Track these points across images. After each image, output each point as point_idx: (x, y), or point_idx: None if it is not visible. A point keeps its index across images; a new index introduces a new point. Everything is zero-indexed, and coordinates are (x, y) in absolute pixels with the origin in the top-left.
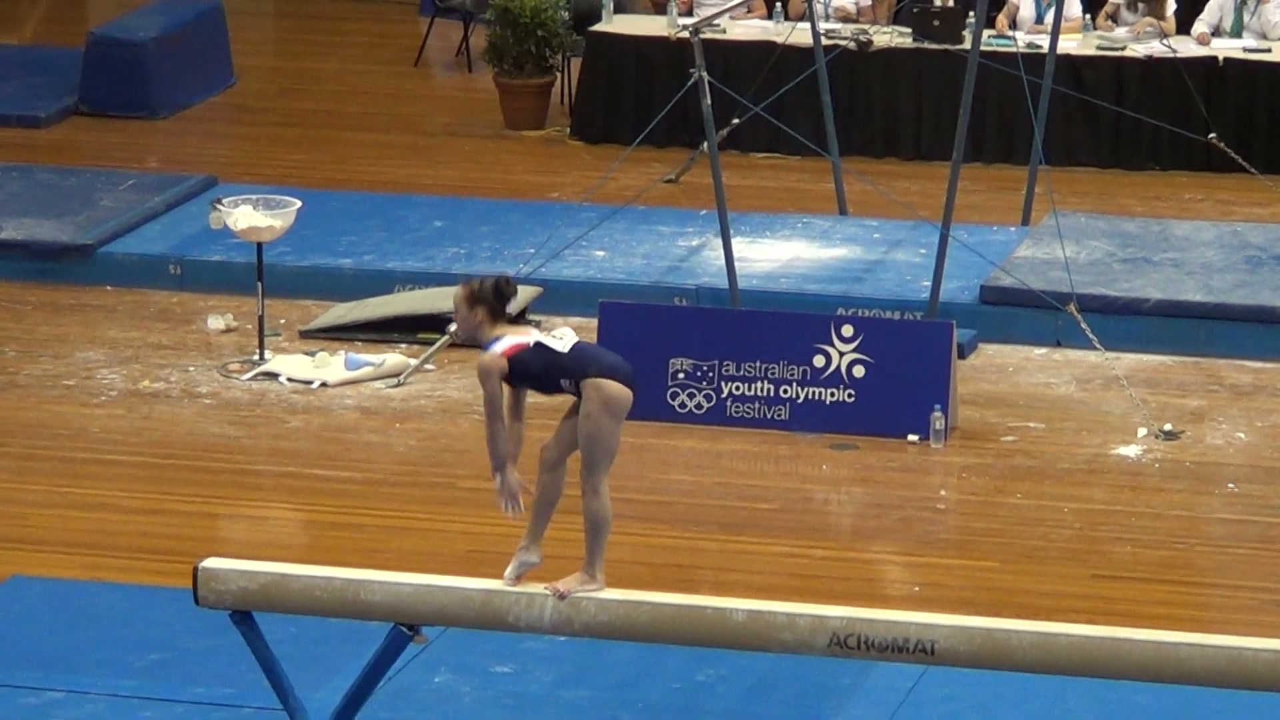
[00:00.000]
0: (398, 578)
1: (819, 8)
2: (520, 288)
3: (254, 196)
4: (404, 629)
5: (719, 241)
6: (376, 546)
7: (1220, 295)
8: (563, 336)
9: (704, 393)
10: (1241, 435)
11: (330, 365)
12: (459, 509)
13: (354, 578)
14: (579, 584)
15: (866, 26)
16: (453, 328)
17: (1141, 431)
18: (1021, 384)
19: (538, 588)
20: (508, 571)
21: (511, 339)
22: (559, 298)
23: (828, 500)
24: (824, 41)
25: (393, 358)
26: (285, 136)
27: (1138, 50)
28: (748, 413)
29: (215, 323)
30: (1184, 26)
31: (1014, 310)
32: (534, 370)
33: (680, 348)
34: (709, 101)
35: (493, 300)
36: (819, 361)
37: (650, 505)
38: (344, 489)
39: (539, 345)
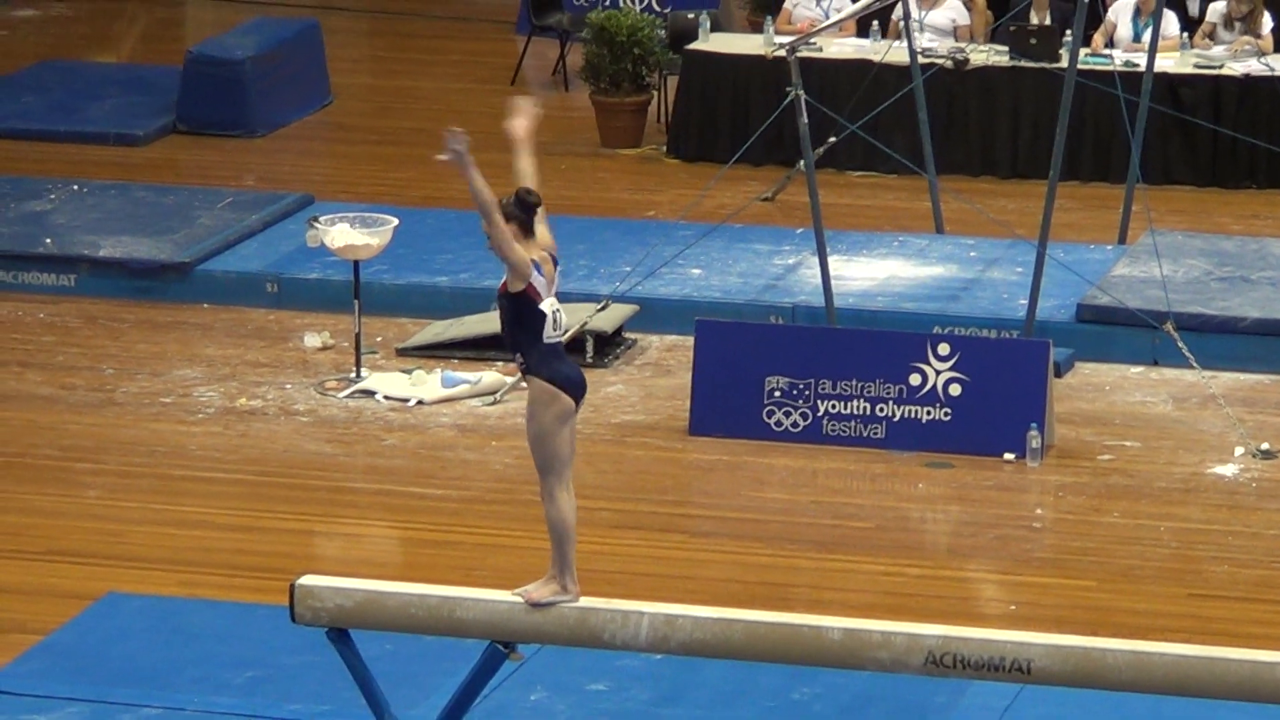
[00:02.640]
0: (493, 595)
1: (915, 25)
2: (616, 305)
3: (351, 214)
4: (500, 646)
5: (815, 260)
6: (472, 564)
7: None
8: (558, 326)
9: (800, 411)
10: None
11: (427, 383)
12: None
13: (450, 595)
14: (551, 594)
15: (963, 45)
16: None
17: (1238, 450)
18: (1118, 403)
19: (628, 604)
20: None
21: (538, 280)
22: (655, 316)
23: (923, 519)
24: (921, 60)
25: (489, 375)
26: (382, 155)
27: (1235, 68)
28: (843, 431)
29: (312, 340)
30: None
31: (1110, 329)
32: (518, 317)
33: (776, 366)
34: (805, 120)
35: (519, 213)
36: (915, 380)
37: (745, 523)
38: (440, 506)
39: (540, 311)
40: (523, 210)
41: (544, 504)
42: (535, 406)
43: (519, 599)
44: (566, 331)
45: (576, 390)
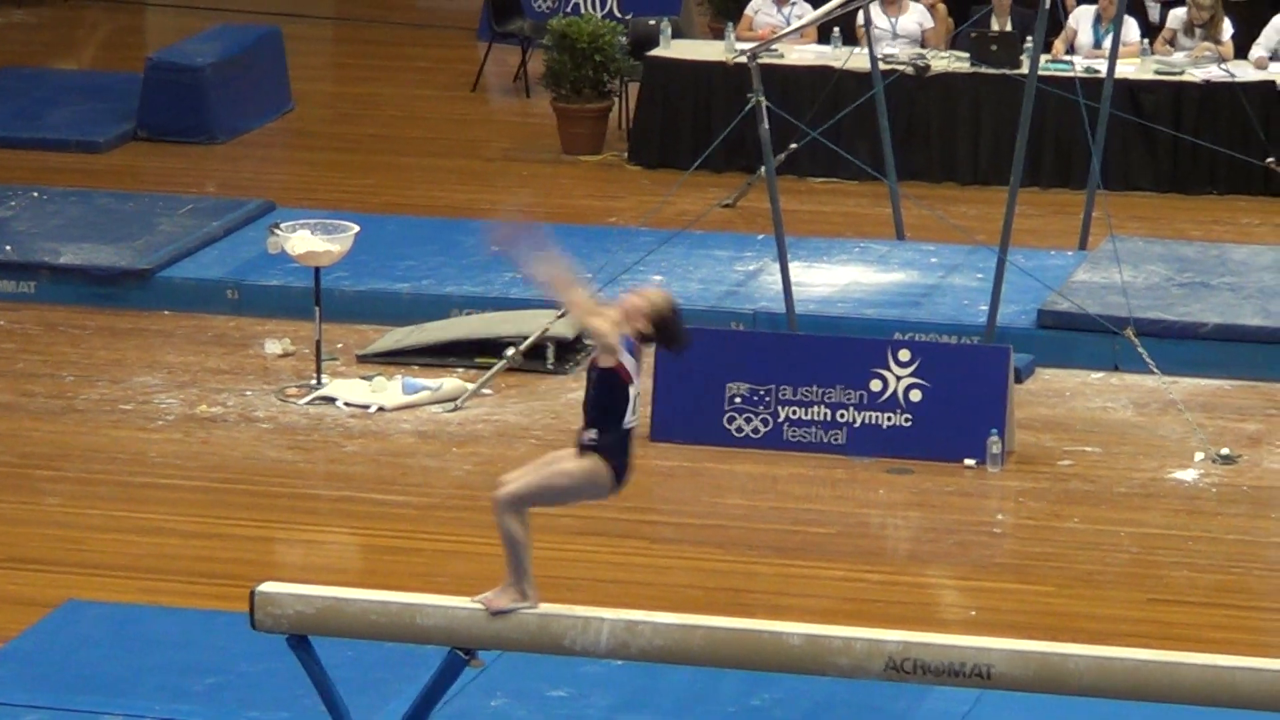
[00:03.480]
0: (454, 602)
1: (884, 29)
2: None
3: (312, 221)
4: (460, 653)
5: (776, 266)
6: (433, 571)
7: (1278, 319)
8: (635, 412)
9: (760, 417)
10: None
11: (387, 390)
12: None
13: (410, 602)
14: (510, 601)
15: (924, 52)
16: (510, 352)
17: (1199, 456)
18: (1078, 408)
19: (588, 610)
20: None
21: (629, 361)
22: None
23: (884, 524)
24: (882, 66)
25: (450, 382)
26: (343, 162)
27: (1195, 75)
28: (804, 437)
29: (273, 347)
30: (1242, 51)
31: (1071, 335)
32: (608, 397)
33: (737, 372)
34: (766, 126)
35: (671, 335)
36: (876, 386)
37: (706, 529)
38: (400, 513)
39: (627, 390)
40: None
41: (499, 515)
42: (583, 472)
43: (479, 606)
44: (637, 419)
45: (624, 480)
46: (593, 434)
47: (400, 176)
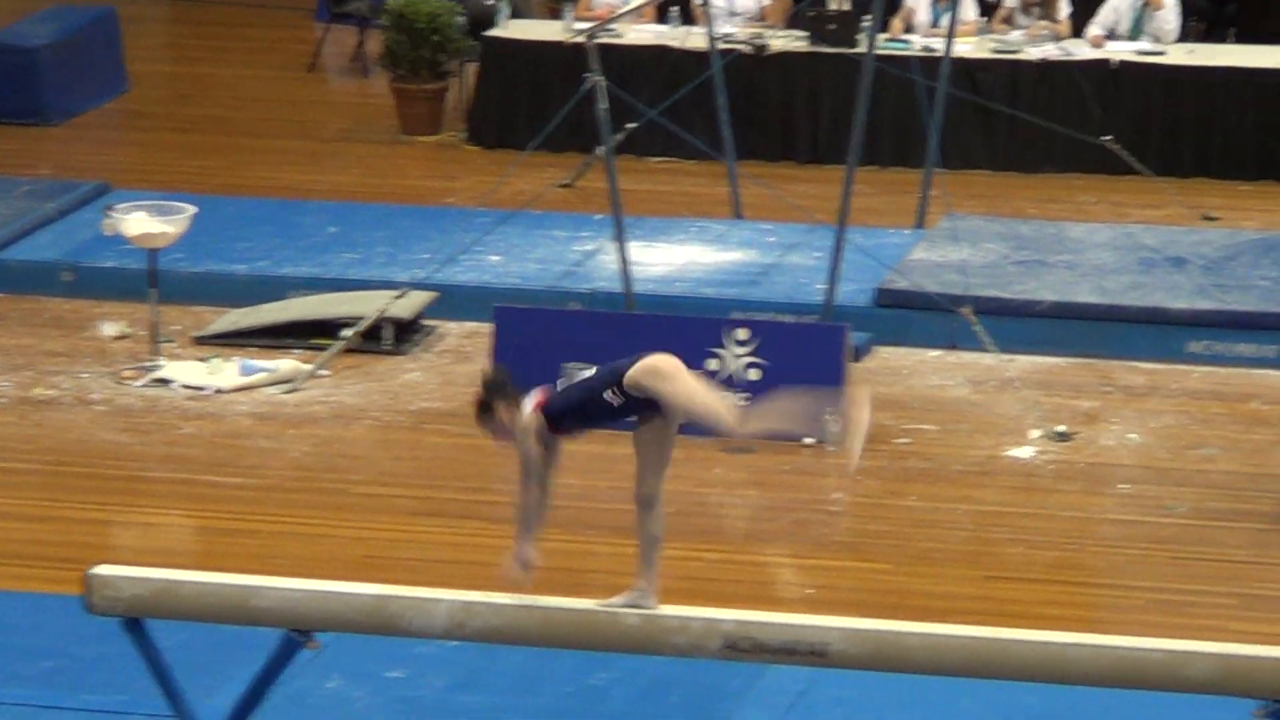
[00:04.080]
0: (290, 583)
1: (722, 6)
2: (415, 293)
3: (147, 203)
4: (296, 635)
5: (614, 246)
6: (269, 552)
7: (1114, 297)
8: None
9: None
10: (1134, 436)
11: (224, 371)
12: (352, 514)
13: (246, 584)
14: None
15: (762, 31)
16: (347, 333)
17: (1035, 433)
18: (916, 386)
19: (425, 591)
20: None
21: (533, 396)
22: (454, 303)
23: (721, 503)
24: (720, 46)
25: (287, 363)
26: (180, 143)
27: (1032, 53)
28: None
29: (109, 329)
30: (1078, 29)
31: (909, 313)
32: (573, 402)
33: (575, 352)
34: (605, 106)
35: (500, 393)
36: (713, 365)
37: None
38: (237, 495)
39: (565, 386)
40: (501, 386)
41: (641, 514)
42: (662, 375)
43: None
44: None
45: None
46: (610, 394)
47: (237, 158)
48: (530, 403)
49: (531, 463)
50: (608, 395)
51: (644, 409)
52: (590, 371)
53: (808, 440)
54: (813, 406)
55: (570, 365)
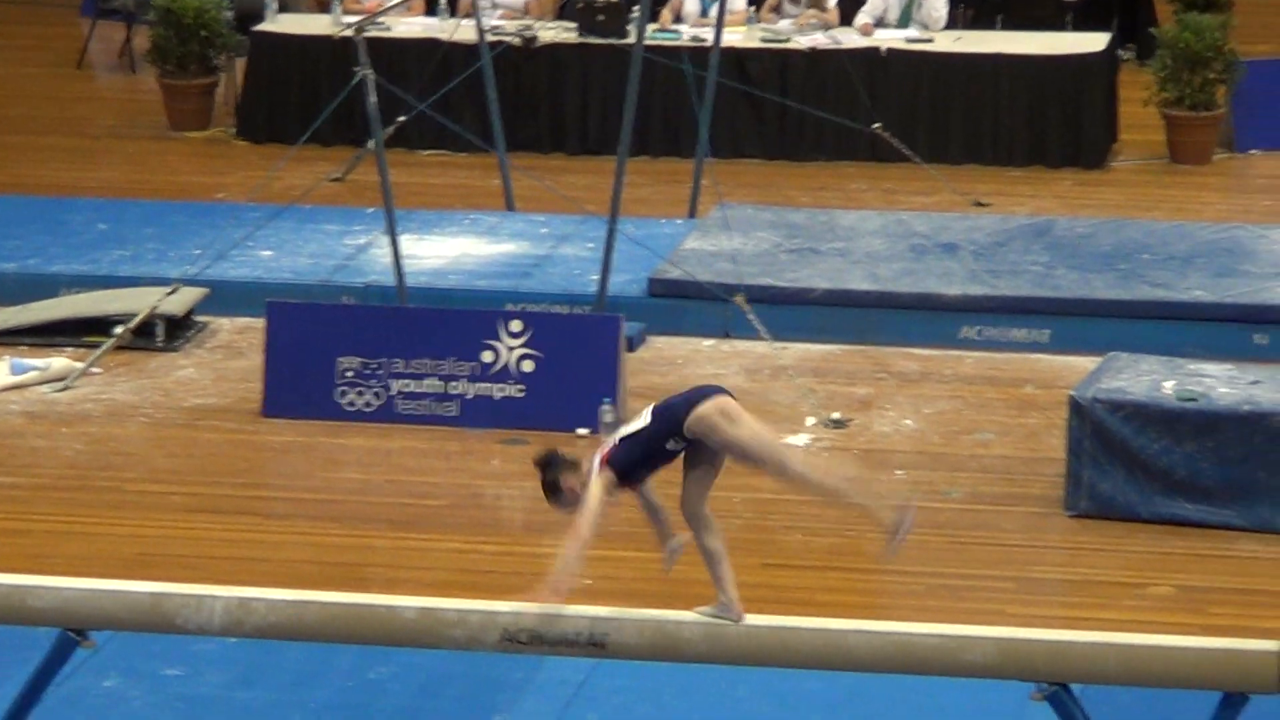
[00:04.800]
0: (65, 582)
1: (485, 2)
2: (186, 289)
3: None
4: (71, 634)
5: (386, 239)
6: (44, 552)
7: (886, 284)
8: (641, 415)
9: (373, 390)
10: (909, 422)
11: None
12: (127, 512)
13: (20, 583)
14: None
15: (532, 22)
16: (119, 330)
17: (810, 420)
18: (690, 375)
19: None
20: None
21: (596, 453)
22: (226, 299)
23: (498, 495)
24: (489, 38)
25: (58, 361)
26: None
27: (801, 42)
28: (417, 410)
29: None
30: (847, 18)
31: (682, 302)
32: (637, 455)
33: (348, 346)
34: (374, 99)
35: (558, 467)
36: (488, 357)
37: (320, 504)
38: (9, 495)
39: (623, 438)
40: (558, 463)
41: (698, 535)
42: (720, 425)
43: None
44: (611, 418)
45: (714, 392)
46: (673, 443)
47: (4, 155)
48: (595, 462)
49: (596, 519)
50: (670, 444)
51: (705, 446)
52: (642, 421)
53: (581, 431)
54: (875, 488)
55: (605, 410)
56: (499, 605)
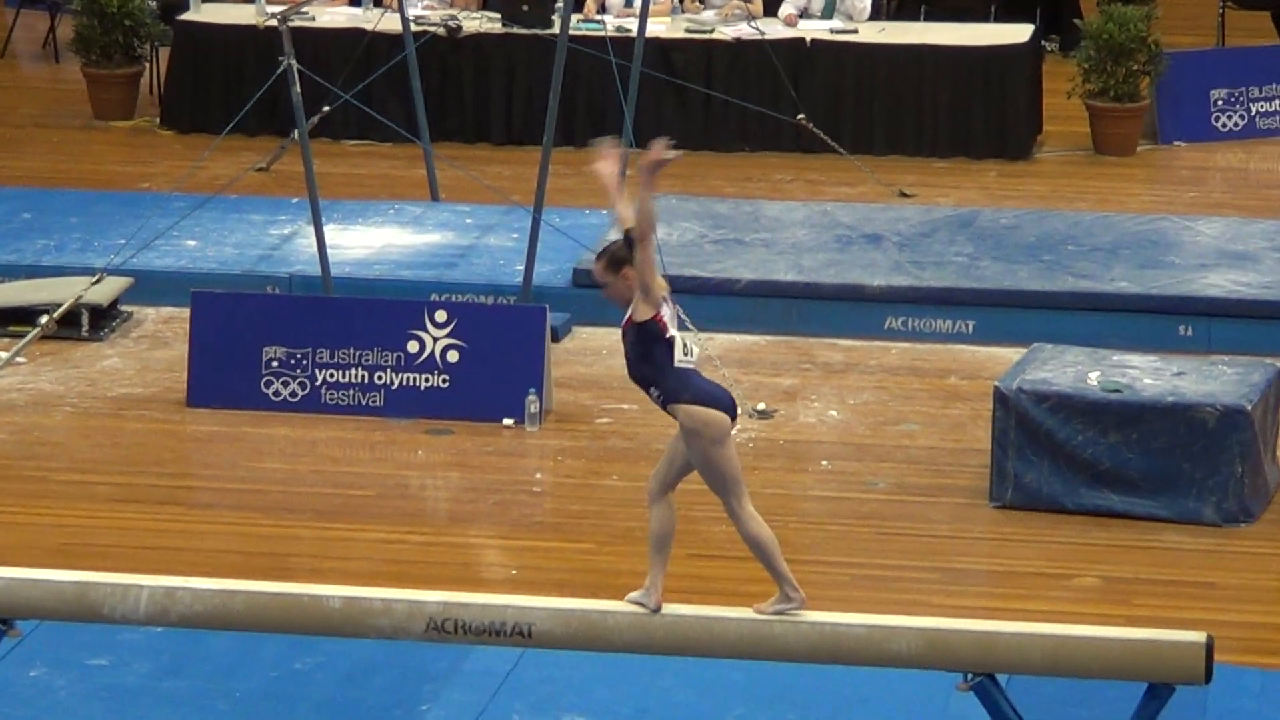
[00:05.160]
0: None
1: None
2: (111, 279)
3: None
4: None
5: (311, 229)
6: None
7: (811, 275)
8: (689, 353)
9: (298, 380)
10: (834, 413)
11: None
12: (52, 502)
13: None
14: (777, 604)
15: (456, 12)
16: (44, 319)
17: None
18: (616, 366)
19: (126, 578)
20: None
21: (666, 312)
22: (151, 288)
23: (424, 485)
24: (413, 28)
25: None
26: None
27: (726, 33)
28: (342, 400)
29: None
30: (771, 9)
31: None
32: (647, 349)
33: (273, 336)
34: (298, 89)
35: (630, 257)
36: (413, 347)
37: (245, 494)
38: None
39: (670, 339)
40: (630, 249)
41: (738, 527)
42: (690, 437)
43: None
44: (695, 357)
45: (727, 406)
46: (652, 392)
47: None
48: (664, 307)
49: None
50: (652, 392)
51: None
52: (680, 358)
53: (507, 421)
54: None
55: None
56: (425, 595)
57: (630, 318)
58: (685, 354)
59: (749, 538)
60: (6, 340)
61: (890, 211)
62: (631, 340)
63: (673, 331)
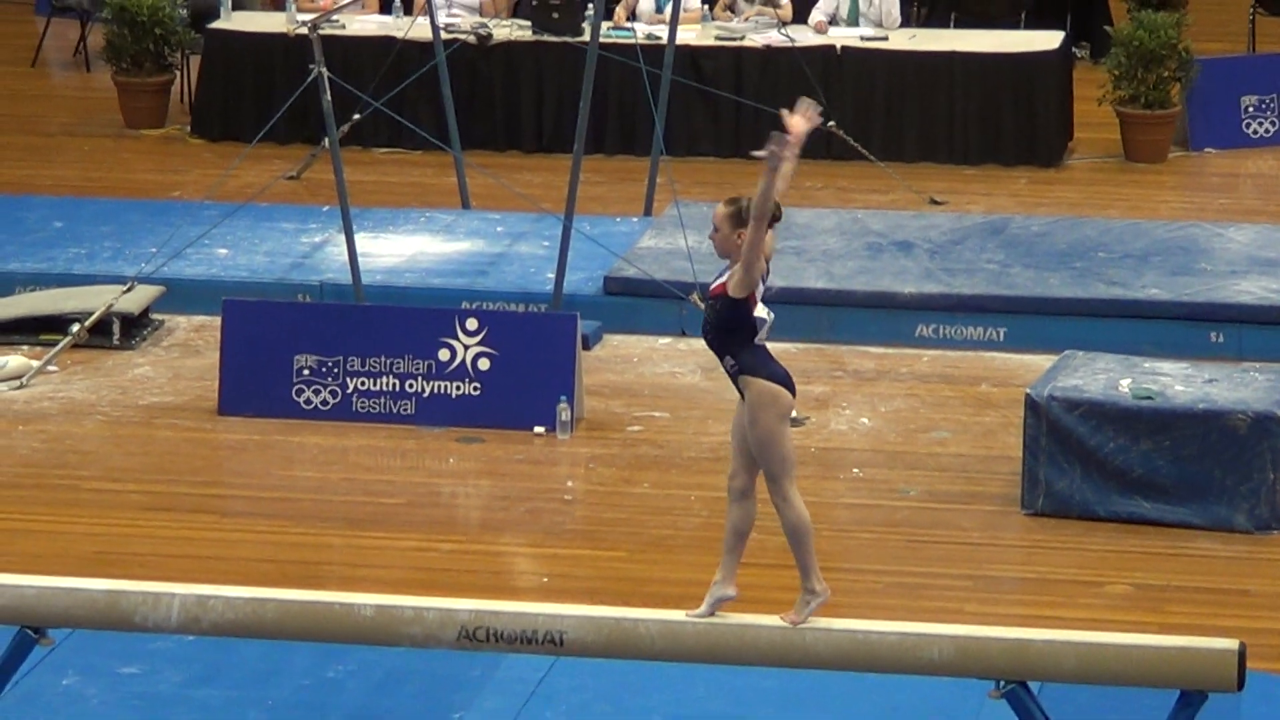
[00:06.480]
0: (22, 580)
1: (440, 0)
2: (143, 287)
3: None
4: (29, 632)
5: (342, 237)
6: (0, 550)
7: (841, 282)
8: (766, 330)
9: (329, 389)
10: (865, 420)
11: None
12: (84, 510)
13: None
14: (803, 606)
15: (486, 20)
16: (75, 328)
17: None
18: (646, 374)
19: (158, 586)
20: (700, 609)
21: (759, 289)
22: (182, 296)
23: (455, 494)
24: (444, 36)
25: (15, 360)
26: None
27: (756, 40)
28: (373, 408)
29: None
30: (801, 16)
31: (638, 301)
32: (733, 321)
33: (305, 344)
34: (329, 97)
35: (743, 217)
36: (444, 355)
37: (277, 502)
38: None
39: (755, 319)
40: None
41: (779, 509)
42: (757, 409)
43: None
44: (769, 330)
45: (791, 387)
46: (728, 360)
47: None
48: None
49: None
50: (727, 361)
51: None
52: (763, 326)
53: (538, 429)
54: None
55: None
56: (456, 603)
57: (723, 285)
58: (764, 332)
59: (790, 522)
60: (38, 349)
61: (921, 219)
62: (719, 308)
63: (760, 311)
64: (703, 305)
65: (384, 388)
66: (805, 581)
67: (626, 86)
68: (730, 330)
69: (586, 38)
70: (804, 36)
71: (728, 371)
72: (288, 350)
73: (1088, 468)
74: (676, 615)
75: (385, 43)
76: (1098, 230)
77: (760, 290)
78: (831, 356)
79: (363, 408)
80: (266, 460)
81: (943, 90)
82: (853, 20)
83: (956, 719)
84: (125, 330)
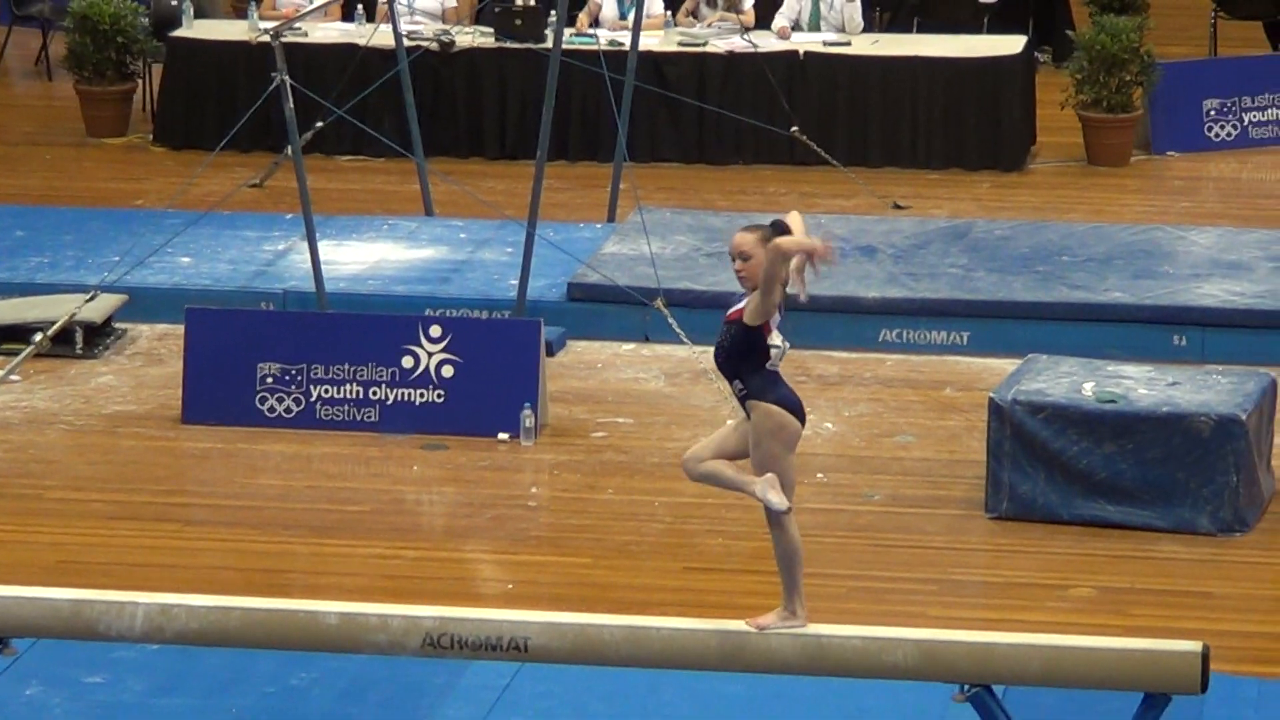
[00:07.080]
0: None
1: (402, 8)
2: (105, 295)
3: None
4: None
5: (305, 245)
6: None
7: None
8: (779, 356)
9: (293, 396)
10: (829, 425)
11: None
12: (47, 520)
13: None
14: (779, 619)
15: (449, 27)
16: (37, 337)
17: (730, 424)
18: (610, 380)
19: (122, 595)
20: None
21: (775, 319)
22: (145, 305)
23: (419, 501)
24: (406, 43)
25: None
26: None
27: (719, 46)
28: (337, 415)
29: None
30: (764, 21)
31: (601, 306)
32: (746, 346)
33: (268, 352)
34: (291, 105)
35: (773, 238)
36: (408, 362)
37: (241, 510)
38: None
39: (768, 346)
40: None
41: (774, 533)
42: (762, 435)
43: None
44: (782, 357)
45: (801, 414)
46: (737, 385)
47: None
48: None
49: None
50: (736, 385)
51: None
52: (777, 352)
53: (502, 435)
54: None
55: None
56: (421, 610)
57: (740, 312)
58: (777, 358)
59: (782, 547)
60: (0, 358)
61: (884, 223)
62: (733, 334)
63: (775, 339)
64: (667, 311)
65: (348, 395)
66: (788, 601)
67: (589, 93)
68: (742, 355)
69: (549, 44)
70: (767, 42)
71: (736, 395)
72: (251, 358)
73: (1051, 471)
74: (642, 621)
75: (347, 50)
76: (1061, 234)
77: (776, 319)
78: (795, 361)
79: (326, 415)
80: (230, 468)
81: (906, 95)
82: (815, 26)
83: None
84: (88, 339)
